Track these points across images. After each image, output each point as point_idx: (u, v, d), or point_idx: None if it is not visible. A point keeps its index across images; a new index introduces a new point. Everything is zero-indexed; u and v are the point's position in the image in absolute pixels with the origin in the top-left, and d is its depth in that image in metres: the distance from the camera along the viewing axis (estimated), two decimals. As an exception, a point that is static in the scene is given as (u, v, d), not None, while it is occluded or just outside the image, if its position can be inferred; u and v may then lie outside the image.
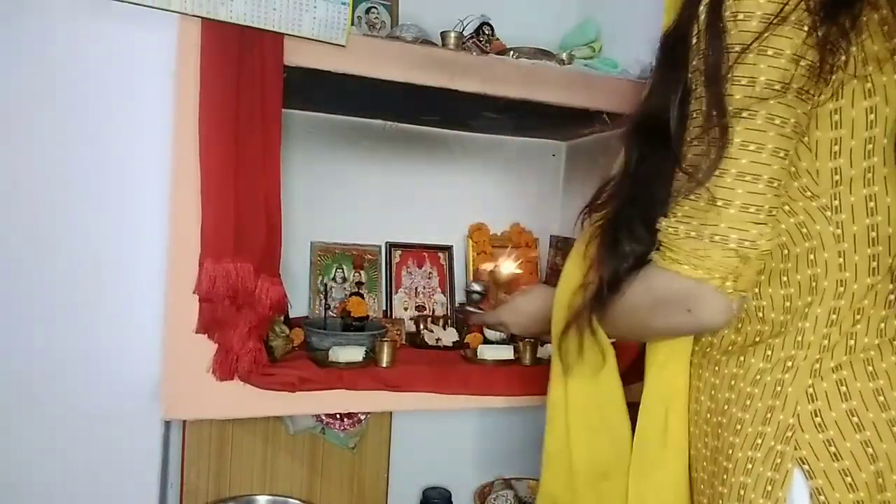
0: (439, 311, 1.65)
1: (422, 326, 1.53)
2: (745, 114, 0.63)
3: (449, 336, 1.49)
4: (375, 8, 1.49)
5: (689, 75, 0.67)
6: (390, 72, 1.19)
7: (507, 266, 1.42)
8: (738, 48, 0.63)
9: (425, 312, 1.63)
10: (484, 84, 1.26)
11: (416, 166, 1.71)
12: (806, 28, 0.62)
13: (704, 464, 0.78)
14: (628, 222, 0.76)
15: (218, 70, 1.06)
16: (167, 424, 1.29)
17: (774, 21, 0.61)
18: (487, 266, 1.50)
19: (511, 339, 1.48)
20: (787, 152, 0.64)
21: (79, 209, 1.14)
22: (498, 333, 1.49)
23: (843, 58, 0.64)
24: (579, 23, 1.68)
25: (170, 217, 1.08)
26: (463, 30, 1.40)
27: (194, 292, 1.07)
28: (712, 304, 0.67)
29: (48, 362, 1.14)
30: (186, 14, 1.03)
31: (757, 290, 0.73)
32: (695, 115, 0.67)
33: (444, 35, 1.32)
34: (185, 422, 1.42)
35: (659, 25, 1.32)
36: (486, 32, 1.44)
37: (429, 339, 1.49)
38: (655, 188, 0.72)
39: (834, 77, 0.64)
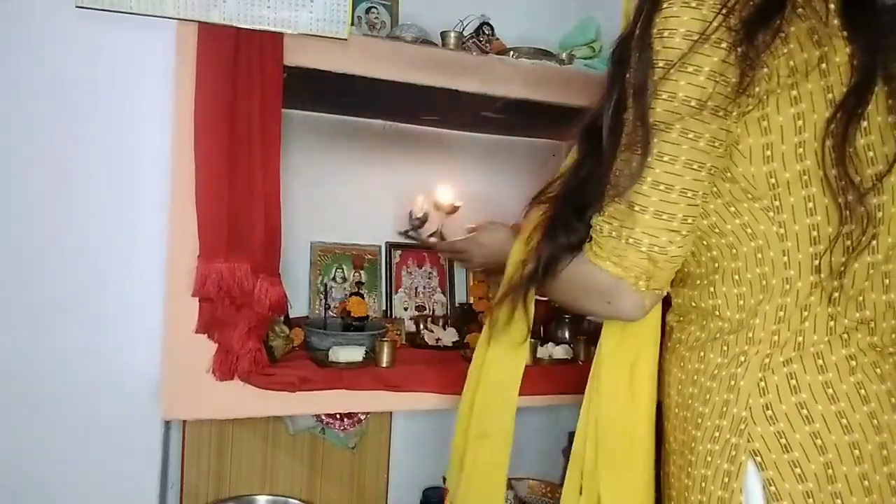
0: (439, 311, 1.65)
1: (422, 326, 1.53)
2: (662, 126, 0.68)
3: (449, 336, 1.49)
4: (375, 8, 1.49)
5: (625, 87, 0.72)
6: (390, 72, 1.19)
7: (445, 195, 1.42)
8: (661, 64, 0.67)
9: (425, 312, 1.63)
10: (484, 84, 1.26)
11: (416, 166, 1.71)
12: (725, 46, 0.65)
13: (674, 457, 0.80)
14: (566, 216, 0.82)
15: (213, 71, 1.06)
16: (167, 424, 1.29)
17: (697, 39, 0.65)
18: (426, 197, 1.46)
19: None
20: (703, 165, 0.68)
21: (79, 210, 1.14)
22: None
23: (766, 70, 0.67)
24: (579, 23, 1.68)
25: (169, 217, 1.08)
26: (463, 30, 1.40)
27: (193, 295, 1.07)
28: (628, 299, 0.74)
29: (48, 362, 1.14)
30: (180, 19, 1.04)
31: (712, 289, 0.76)
32: (625, 125, 0.71)
33: (444, 35, 1.32)
34: (184, 422, 1.42)
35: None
36: (486, 32, 1.44)
37: (429, 339, 1.49)
38: (590, 187, 0.78)
39: (758, 89, 0.67)
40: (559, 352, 1.39)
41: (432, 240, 1.32)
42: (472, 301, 1.64)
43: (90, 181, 1.14)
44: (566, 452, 1.68)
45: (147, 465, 1.22)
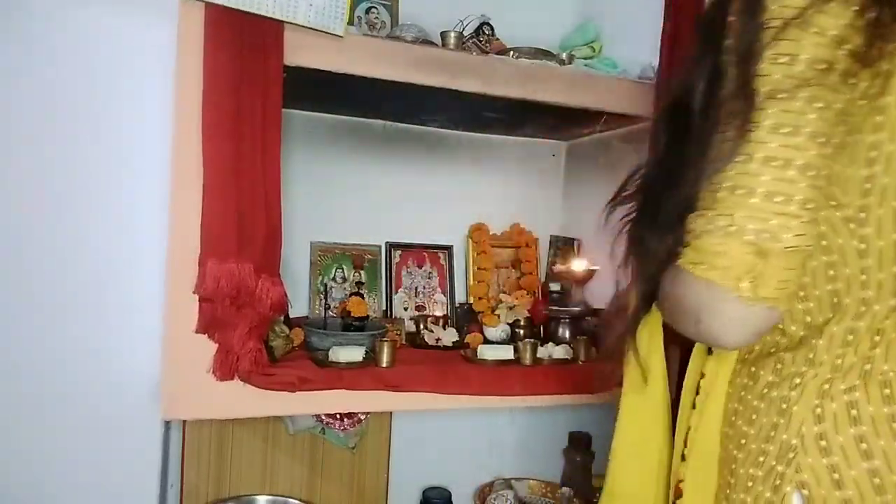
0: (439, 311, 1.65)
1: (422, 326, 1.53)
2: (781, 94, 0.56)
3: (449, 336, 1.49)
4: (375, 8, 1.49)
5: (723, 56, 0.61)
6: (390, 72, 1.19)
7: (579, 264, 1.44)
8: (777, 24, 0.56)
9: (425, 312, 1.63)
10: (484, 84, 1.26)
11: (416, 166, 1.71)
12: (856, 7, 0.55)
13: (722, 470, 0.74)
14: (653, 217, 0.69)
15: (221, 64, 1.05)
16: (167, 424, 1.29)
17: None
18: (560, 267, 1.53)
19: (511, 339, 1.48)
20: (828, 140, 0.56)
21: (79, 209, 1.14)
22: (499, 333, 1.49)
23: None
24: (579, 23, 1.68)
25: (170, 217, 1.08)
26: (463, 30, 1.40)
27: (195, 292, 1.07)
28: (725, 314, 0.59)
29: (48, 362, 1.14)
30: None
31: None
32: (723, 103, 0.61)
33: (444, 35, 1.32)
34: (184, 422, 1.42)
35: (659, 26, 1.33)
36: (486, 32, 1.44)
37: (429, 339, 1.49)
38: (680, 179, 0.66)
39: (880, 67, 0.57)
40: (559, 352, 1.39)
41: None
42: (471, 301, 1.64)
43: (89, 180, 1.14)
44: (566, 452, 1.68)
45: (147, 465, 1.22)
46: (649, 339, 0.80)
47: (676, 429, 0.77)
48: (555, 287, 1.49)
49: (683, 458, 0.75)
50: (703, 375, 0.75)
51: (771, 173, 0.57)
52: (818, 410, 0.63)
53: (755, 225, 0.57)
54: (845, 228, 0.62)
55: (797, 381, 0.65)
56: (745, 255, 0.57)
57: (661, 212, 0.68)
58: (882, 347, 0.62)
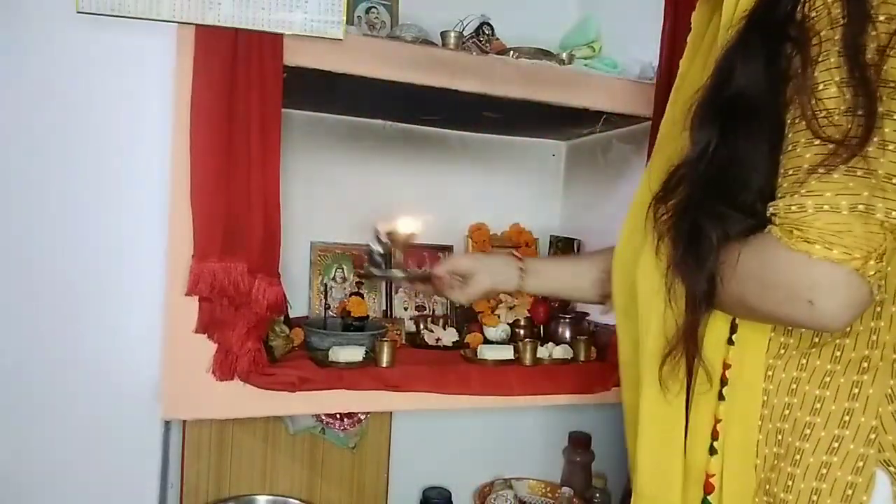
0: (439, 311, 1.65)
1: (422, 326, 1.53)
2: None
3: (449, 336, 1.49)
4: (375, 8, 1.49)
5: (812, 46, 0.61)
6: (390, 72, 1.19)
7: (406, 225, 1.27)
8: (884, 17, 0.58)
9: (425, 312, 1.63)
10: (484, 84, 1.26)
11: (416, 166, 1.71)
12: None
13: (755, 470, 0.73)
14: (711, 206, 0.67)
15: (209, 72, 1.06)
16: (167, 424, 1.29)
17: None
18: (385, 226, 1.29)
19: (511, 339, 1.48)
20: None
21: (78, 210, 1.14)
22: (499, 333, 1.49)
23: None
24: (579, 23, 1.68)
25: (168, 217, 1.08)
26: (463, 30, 1.40)
27: (186, 294, 1.08)
28: (844, 294, 0.58)
29: (48, 363, 1.14)
30: (177, 22, 1.04)
31: None
32: (822, 87, 0.60)
33: (444, 35, 1.32)
34: (184, 422, 1.42)
35: (659, 25, 1.33)
36: (486, 32, 1.44)
37: (429, 339, 1.49)
38: (745, 169, 0.65)
39: None
40: (559, 352, 1.40)
41: (375, 272, 1.21)
42: (472, 301, 1.64)
43: (89, 180, 1.14)
44: (566, 452, 1.68)
45: (147, 465, 1.22)
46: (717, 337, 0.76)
47: (695, 422, 0.75)
48: (379, 248, 1.26)
49: (712, 451, 0.73)
50: (726, 366, 0.73)
51: (889, 157, 0.57)
52: (889, 391, 0.65)
53: (884, 204, 0.57)
54: None
55: (864, 364, 0.66)
56: (872, 235, 0.57)
57: (719, 202, 0.67)
58: None
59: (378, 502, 1.60)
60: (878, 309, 0.65)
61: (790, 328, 0.68)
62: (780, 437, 0.70)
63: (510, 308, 1.54)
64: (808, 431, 0.68)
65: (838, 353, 0.67)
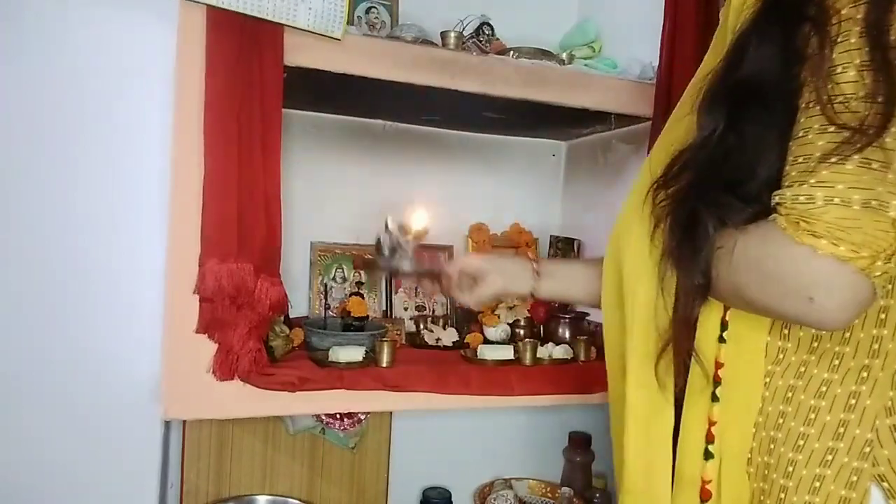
0: (439, 311, 1.65)
1: (422, 326, 1.53)
2: None
3: (449, 336, 1.49)
4: (375, 8, 1.49)
5: (832, 26, 0.57)
6: (390, 72, 1.19)
7: (418, 219, 1.25)
8: None
9: (425, 312, 1.63)
10: (484, 84, 1.26)
11: (416, 166, 1.71)
12: None
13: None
14: (713, 194, 0.64)
15: (222, 65, 1.06)
16: (167, 424, 1.29)
17: None
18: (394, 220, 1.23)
19: (511, 339, 1.48)
20: None
21: (78, 209, 1.14)
22: (499, 333, 1.49)
23: None
24: (579, 23, 1.68)
25: (169, 217, 1.08)
26: (463, 30, 1.40)
27: (195, 292, 1.07)
28: (846, 293, 0.56)
29: (48, 362, 1.14)
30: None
31: None
32: (840, 70, 0.56)
33: (444, 35, 1.32)
34: (184, 422, 1.42)
35: (659, 26, 1.33)
36: (486, 32, 1.44)
37: (429, 339, 1.49)
38: (752, 156, 0.62)
39: None
40: (559, 352, 1.40)
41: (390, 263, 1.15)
42: (472, 301, 1.64)
43: (90, 180, 1.14)
44: (566, 452, 1.68)
45: (147, 465, 1.22)
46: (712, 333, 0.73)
47: (688, 422, 0.72)
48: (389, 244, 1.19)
49: (708, 455, 0.71)
50: (718, 364, 0.70)
51: None
52: (889, 403, 0.62)
53: None
54: None
55: (864, 374, 0.63)
56: (883, 233, 0.54)
57: (721, 189, 0.64)
58: None
59: (378, 502, 1.60)
60: (883, 316, 0.62)
61: (787, 331, 0.66)
62: (772, 446, 0.67)
63: (510, 308, 1.54)
64: (801, 442, 0.65)
65: (837, 362, 0.64)
